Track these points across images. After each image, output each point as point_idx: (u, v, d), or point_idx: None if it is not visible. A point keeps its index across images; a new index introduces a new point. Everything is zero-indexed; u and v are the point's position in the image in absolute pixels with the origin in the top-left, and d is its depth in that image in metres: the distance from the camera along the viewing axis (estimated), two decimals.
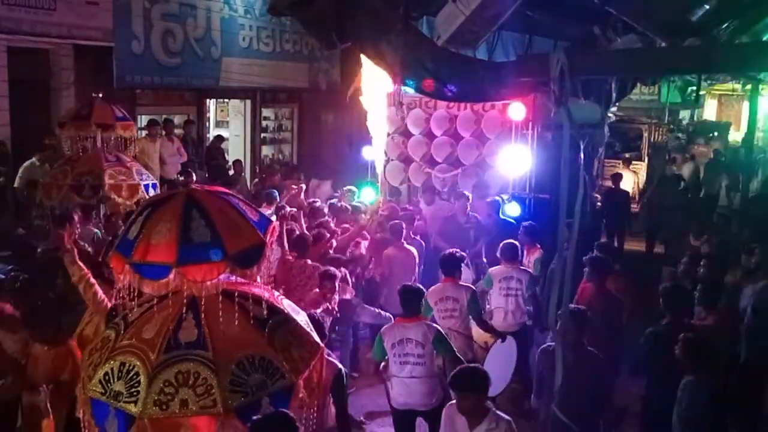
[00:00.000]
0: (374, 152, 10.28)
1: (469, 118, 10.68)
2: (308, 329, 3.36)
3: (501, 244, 7.47)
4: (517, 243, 7.47)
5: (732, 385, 6.32)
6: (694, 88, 22.57)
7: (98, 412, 2.95)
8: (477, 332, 6.58)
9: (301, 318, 3.43)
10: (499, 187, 10.26)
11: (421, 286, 5.97)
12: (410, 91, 9.61)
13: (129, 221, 3.18)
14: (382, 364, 5.67)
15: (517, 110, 9.64)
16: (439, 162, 10.91)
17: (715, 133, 20.15)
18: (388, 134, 10.95)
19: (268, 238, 3.19)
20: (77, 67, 12.51)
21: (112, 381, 2.93)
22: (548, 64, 4.21)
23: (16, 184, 11.31)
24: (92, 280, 5.08)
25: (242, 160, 14.17)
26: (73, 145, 8.78)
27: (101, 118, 8.60)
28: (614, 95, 9.66)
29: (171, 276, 2.94)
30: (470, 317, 6.49)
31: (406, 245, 8.07)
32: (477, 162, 10.61)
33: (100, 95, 9.04)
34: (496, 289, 7.17)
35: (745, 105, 19.43)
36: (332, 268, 6.69)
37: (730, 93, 22.23)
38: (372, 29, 6.53)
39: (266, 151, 16.45)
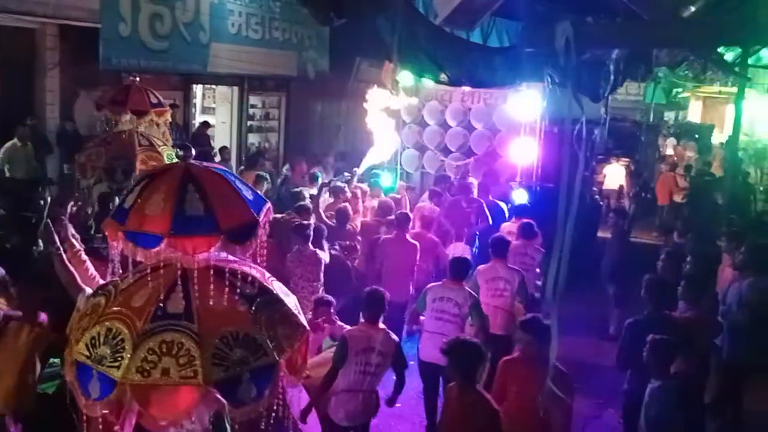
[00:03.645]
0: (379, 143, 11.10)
1: (482, 110, 11.72)
2: (296, 312, 3.37)
3: (491, 239, 7.56)
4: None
5: (712, 383, 6.33)
6: (680, 89, 22.80)
7: (82, 374, 3.00)
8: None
9: (291, 300, 3.43)
10: (509, 175, 11.18)
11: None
12: (430, 84, 10.83)
13: (127, 191, 3.21)
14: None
15: (526, 106, 10.51)
16: (452, 151, 11.98)
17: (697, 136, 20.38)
18: (405, 123, 12.11)
19: (262, 217, 3.20)
20: (62, 48, 12.36)
21: (97, 345, 2.97)
22: (554, 36, 4.16)
23: None
24: (84, 256, 4.99)
25: (229, 147, 14.06)
26: (108, 127, 8.73)
27: (137, 104, 8.51)
28: (605, 91, 9.84)
29: (162, 246, 2.97)
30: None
31: (408, 237, 8.05)
32: (488, 152, 11.62)
33: (137, 79, 8.97)
34: (483, 290, 7.04)
35: (730, 107, 19.51)
36: (328, 296, 6.54)
37: (715, 95, 22.36)
38: (369, 6, 6.48)
39: (252, 139, 16.34)
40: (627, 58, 8.70)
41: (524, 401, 4.70)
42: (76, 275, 4.88)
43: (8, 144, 11.23)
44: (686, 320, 6.08)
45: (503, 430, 4.43)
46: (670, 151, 19.68)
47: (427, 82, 11.51)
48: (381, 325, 5.47)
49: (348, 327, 5.94)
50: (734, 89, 15.39)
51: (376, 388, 5.49)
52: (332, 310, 6.30)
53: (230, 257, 3.27)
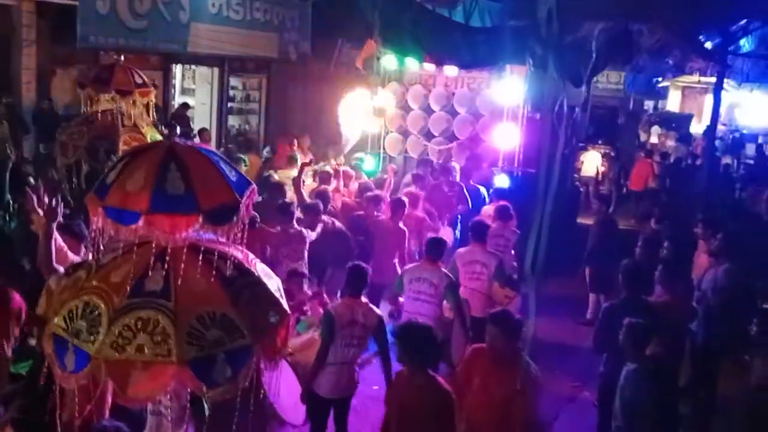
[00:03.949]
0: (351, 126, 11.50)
1: (465, 95, 11.75)
2: (278, 296, 3.37)
3: (471, 222, 7.68)
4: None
5: (686, 366, 6.41)
6: (659, 78, 22.97)
7: (59, 347, 3.02)
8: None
9: (273, 283, 3.42)
10: (491, 160, 11.25)
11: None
12: (414, 68, 11.14)
13: (110, 167, 3.22)
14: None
15: (509, 91, 10.57)
16: (435, 135, 12.03)
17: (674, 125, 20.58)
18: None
19: (244, 199, 3.18)
20: (39, 25, 12.13)
21: (75, 319, 2.99)
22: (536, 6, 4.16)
23: None
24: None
25: (208, 129, 13.92)
26: (90, 106, 8.56)
27: (121, 83, 8.39)
28: (586, 74, 9.90)
29: (141, 223, 2.97)
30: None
31: (401, 225, 8.14)
32: (471, 137, 11.66)
33: (122, 58, 8.86)
34: (461, 273, 7.09)
35: (708, 97, 19.73)
36: (301, 269, 6.69)
37: (694, 85, 22.54)
38: None
39: (233, 121, 16.22)
40: (608, 41, 8.73)
41: (484, 395, 4.70)
42: (53, 252, 4.84)
43: None
44: (662, 304, 6.15)
45: (458, 415, 4.46)
46: (654, 139, 19.82)
47: (411, 66, 11.64)
48: (363, 299, 5.57)
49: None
50: (713, 79, 15.54)
51: (356, 363, 5.56)
52: (304, 282, 6.48)
53: (214, 238, 3.25)
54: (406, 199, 8.37)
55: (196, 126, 14.31)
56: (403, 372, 4.67)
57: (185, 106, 14.50)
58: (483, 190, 10.13)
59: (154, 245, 3.07)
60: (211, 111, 15.46)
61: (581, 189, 13.46)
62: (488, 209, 9.06)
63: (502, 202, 8.62)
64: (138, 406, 3.55)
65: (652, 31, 9.48)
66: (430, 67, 11.52)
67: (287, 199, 8.17)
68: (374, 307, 5.64)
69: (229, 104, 15.86)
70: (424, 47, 6.48)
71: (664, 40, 10.74)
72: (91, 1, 11.70)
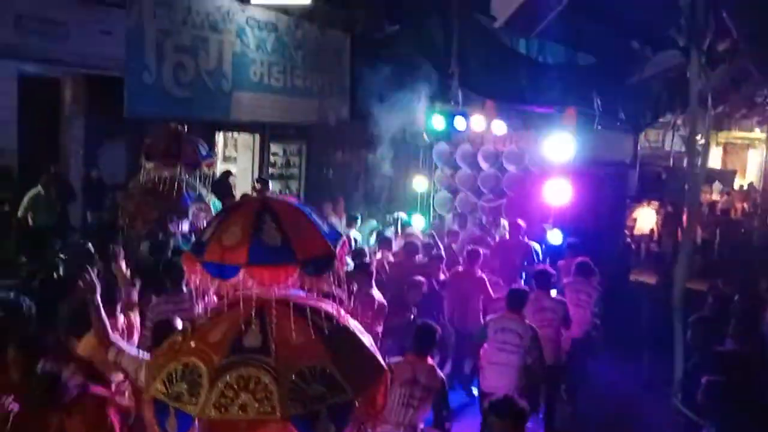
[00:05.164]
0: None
1: (514, 152, 11.80)
2: (373, 351, 3.35)
3: (535, 271, 7.85)
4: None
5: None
6: (698, 136, 22.74)
7: (159, 412, 3.00)
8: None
9: (366, 339, 3.39)
10: (542, 216, 11.10)
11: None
12: (461, 128, 11.41)
13: (203, 227, 3.36)
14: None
15: (559, 147, 10.55)
16: (485, 193, 12.10)
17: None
18: (436, 167, 12.44)
19: (338, 250, 3.22)
20: (86, 96, 12.39)
21: (174, 381, 2.97)
22: None
23: (19, 213, 11.08)
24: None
25: (250, 195, 13.92)
26: (155, 178, 8.53)
27: (189, 156, 8.47)
28: (649, 118, 9.84)
29: (240, 277, 2.96)
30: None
31: (479, 273, 8.40)
32: (521, 193, 11.57)
33: (185, 128, 8.90)
34: (531, 321, 6.88)
35: (751, 153, 19.51)
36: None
37: (736, 141, 22.30)
38: (423, 11, 6.37)
39: (273, 186, 16.22)
40: (669, 84, 8.64)
41: None
42: (108, 327, 4.71)
43: (32, 192, 11.15)
44: (735, 353, 5.88)
45: None
46: (716, 196, 19.36)
47: (459, 125, 11.72)
48: (429, 361, 5.43)
49: None
50: (754, 134, 15.35)
51: (418, 425, 5.35)
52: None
53: (302, 293, 3.24)
54: (481, 250, 8.60)
55: (238, 193, 14.35)
56: None
57: (228, 173, 14.55)
58: (536, 246, 9.99)
59: (251, 301, 3.02)
60: (252, 177, 15.52)
61: (633, 246, 13.21)
62: (563, 264, 9.01)
63: (581, 258, 8.50)
64: None
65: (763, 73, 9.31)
66: (478, 126, 11.55)
67: None
68: (438, 371, 5.48)
69: (270, 170, 15.95)
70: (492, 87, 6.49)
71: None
72: (138, 72, 11.90)
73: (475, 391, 7.64)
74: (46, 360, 4.36)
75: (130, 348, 4.65)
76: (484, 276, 8.39)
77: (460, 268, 8.57)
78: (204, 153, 8.63)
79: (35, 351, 4.55)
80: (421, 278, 7.83)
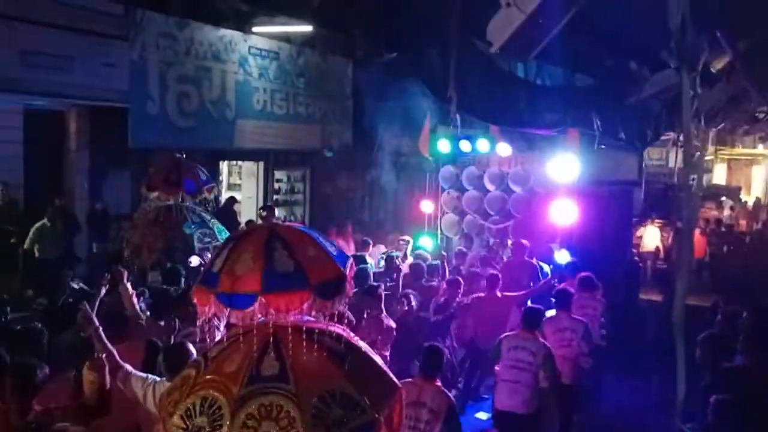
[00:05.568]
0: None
1: (519, 174, 11.95)
2: (385, 369, 3.32)
3: (555, 290, 7.91)
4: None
5: None
6: (697, 153, 22.78)
7: None
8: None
9: (377, 359, 3.37)
10: (548, 237, 11.22)
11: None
12: (466, 149, 11.48)
13: (212, 257, 3.26)
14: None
15: (563, 168, 10.68)
16: (491, 215, 12.22)
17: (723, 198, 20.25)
18: (443, 189, 12.58)
19: (347, 272, 3.20)
20: (92, 128, 12.45)
21: (194, 416, 2.91)
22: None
23: (26, 245, 11.11)
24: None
25: (255, 222, 13.94)
26: (159, 208, 8.60)
27: (189, 183, 8.53)
28: (649, 137, 9.87)
29: (256, 306, 2.94)
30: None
31: (499, 294, 8.53)
32: (528, 214, 11.70)
33: (184, 156, 8.97)
34: (550, 341, 6.97)
35: (755, 169, 19.49)
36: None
37: (740, 157, 22.31)
38: (422, 38, 6.40)
39: (278, 213, 16.26)
40: (670, 103, 8.67)
41: None
42: (114, 352, 4.76)
43: (38, 224, 11.19)
44: (745, 368, 5.80)
45: None
46: (727, 212, 19.26)
47: (464, 148, 11.82)
48: (437, 383, 5.37)
49: None
50: (758, 150, 15.34)
51: None
52: None
53: (309, 318, 3.20)
54: (499, 274, 8.78)
55: (242, 219, 14.39)
56: None
57: (232, 200, 14.63)
58: (546, 266, 9.99)
59: (265, 328, 3.00)
60: (257, 204, 15.57)
61: (640, 264, 13.17)
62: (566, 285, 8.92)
63: (584, 273, 8.62)
64: None
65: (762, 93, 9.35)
66: (483, 148, 11.69)
67: None
68: (446, 392, 5.42)
69: (275, 196, 16.01)
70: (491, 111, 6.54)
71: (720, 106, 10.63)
72: (142, 102, 12.00)
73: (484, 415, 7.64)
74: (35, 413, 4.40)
75: (137, 372, 4.70)
76: (505, 294, 8.49)
77: (482, 294, 8.58)
78: (204, 178, 8.67)
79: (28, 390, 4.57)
80: (410, 292, 7.98)
